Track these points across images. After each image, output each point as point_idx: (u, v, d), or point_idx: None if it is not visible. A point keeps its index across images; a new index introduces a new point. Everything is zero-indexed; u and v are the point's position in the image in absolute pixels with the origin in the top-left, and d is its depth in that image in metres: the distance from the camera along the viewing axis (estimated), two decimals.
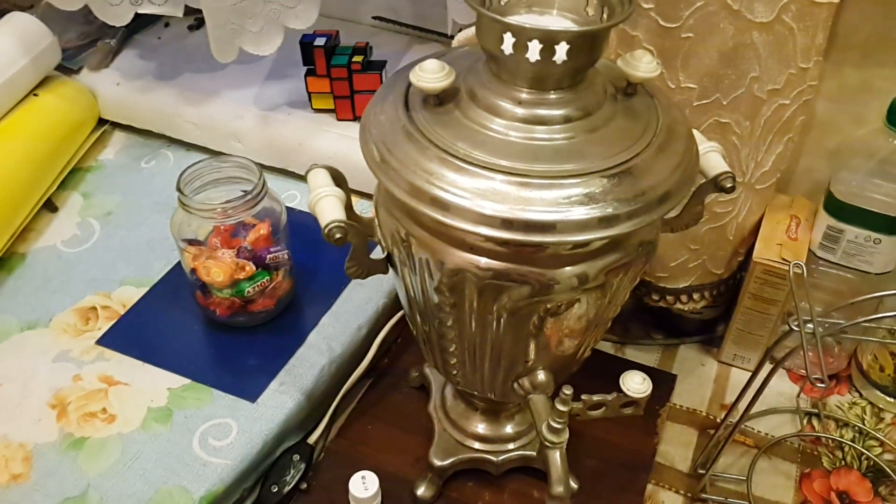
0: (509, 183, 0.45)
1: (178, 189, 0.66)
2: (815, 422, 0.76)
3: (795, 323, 0.56)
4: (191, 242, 0.69)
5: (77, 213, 0.87)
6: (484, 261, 0.48)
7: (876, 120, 0.66)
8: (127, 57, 1.01)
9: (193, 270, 0.69)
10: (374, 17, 1.05)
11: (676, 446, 0.74)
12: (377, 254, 0.56)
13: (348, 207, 0.54)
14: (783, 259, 0.69)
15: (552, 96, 0.47)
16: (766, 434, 0.75)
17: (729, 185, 0.53)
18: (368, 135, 0.50)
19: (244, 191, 0.68)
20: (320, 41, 0.85)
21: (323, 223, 0.49)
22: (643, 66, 0.48)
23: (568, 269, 0.48)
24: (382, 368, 0.77)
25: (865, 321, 0.55)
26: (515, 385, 0.57)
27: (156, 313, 0.75)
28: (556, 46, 0.43)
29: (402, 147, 0.47)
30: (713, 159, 0.54)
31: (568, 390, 0.50)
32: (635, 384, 0.51)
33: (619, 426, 0.71)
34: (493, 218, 0.44)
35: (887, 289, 0.71)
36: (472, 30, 0.56)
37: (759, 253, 0.70)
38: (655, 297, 0.77)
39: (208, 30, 0.78)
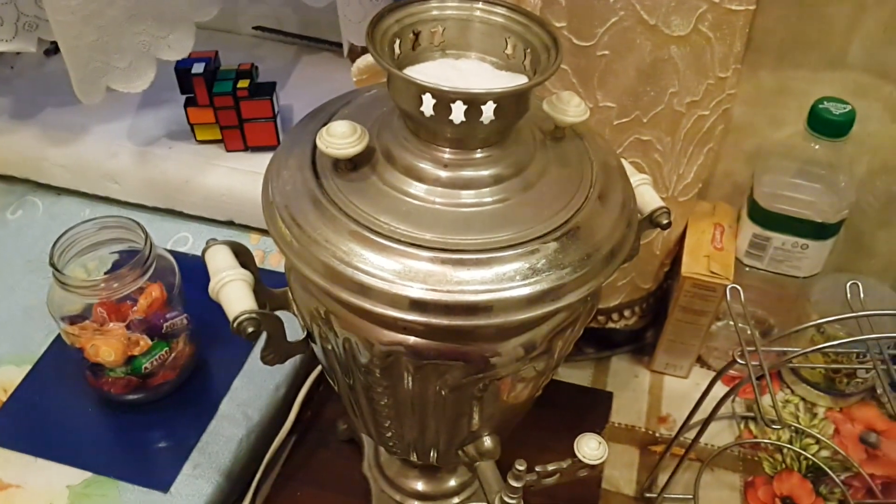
0: (437, 261, 0.39)
1: (52, 265, 0.57)
2: (752, 426, 0.75)
3: (740, 354, 0.55)
4: (72, 320, 0.60)
5: None
6: (416, 340, 0.43)
7: (794, 121, 0.65)
8: None
9: (80, 350, 0.61)
10: (256, 28, 0.97)
11: (620, 468, 0.71)
12: (297, 329, 0.50)
13: (258, 282, 0.47)
14: (712, 272, 0.67)
15: (479, 155, 0.42)
16: (707, 444, 0.73)
17: (665, 222, 0.50)
18: (273, 202, 0.43)
19: (121, 252, 0.60)
20: (198, 67, 0.77)
21: (231, 316, 0.43)
22: (572, 109, 0.44)
23: (512, 340, 0.44)
24: (306, 422, 0.71)
25: (808, 351, 0.53)
26: (460, 452, 0.53)
27: (43, 397, 0.66)
28: (483, 107, 0.38)
29: (309, 219, 0.42)
30: (646, 194, 0.50)
31: (521, 465, 0.46)
32: (591, 450, 0.47)
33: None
34: (421, 302, 0.39)
35: (814, 289, 0.72)
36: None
37: (687, 267, 0.68)
38: None
39: (69, 69, 0.69)
